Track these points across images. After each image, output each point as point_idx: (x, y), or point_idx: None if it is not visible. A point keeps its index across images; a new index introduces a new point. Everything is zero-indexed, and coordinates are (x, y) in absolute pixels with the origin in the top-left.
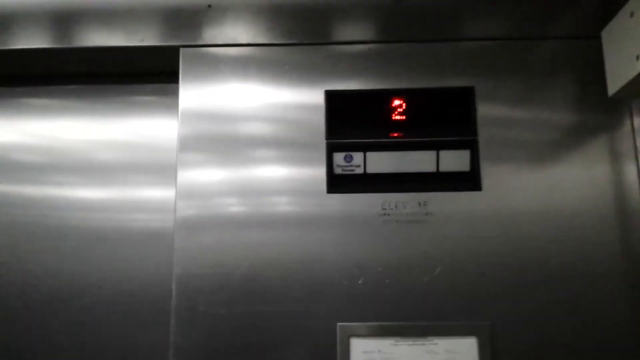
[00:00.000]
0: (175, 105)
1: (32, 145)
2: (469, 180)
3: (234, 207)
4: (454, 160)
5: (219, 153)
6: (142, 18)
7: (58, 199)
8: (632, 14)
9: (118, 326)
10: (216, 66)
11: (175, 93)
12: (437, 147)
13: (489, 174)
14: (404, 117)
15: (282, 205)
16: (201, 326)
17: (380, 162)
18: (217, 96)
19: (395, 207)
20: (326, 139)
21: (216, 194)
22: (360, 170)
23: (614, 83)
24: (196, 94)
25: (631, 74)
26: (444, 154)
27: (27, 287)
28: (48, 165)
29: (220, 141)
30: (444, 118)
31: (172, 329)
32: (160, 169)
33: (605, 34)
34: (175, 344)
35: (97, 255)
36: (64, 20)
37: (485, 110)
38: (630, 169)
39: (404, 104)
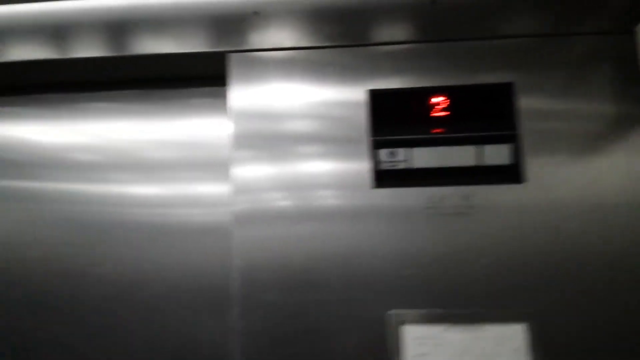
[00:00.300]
0: (224, 106)
1: (93, 145)
2: (511, 173)
3: (285, 201)
4: (496, 154)
5: (268, 150)
6: (192, 26)
7: (118, 196)
8: None
9: (178, 314)
10: (263, 69)
11: (223, 95)
12: (479, 141)
13: (531, 166)
14: (445, 114)
15: (331, 199)
16: (261, 313)
17: (423, 157)
18: (265, 96)
19: (440, 200)
20: (371, 137)
21: (268, 189)
22: (404, 166)
23: None
24: (245, 95)
25: None
26: (486, 148)
27: (92, 279)
28: (108, 164)
29: (269, 138)
30: (485, 113)
31: (235, 316)
32: (210, 166)
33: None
34: (238, 329)
35: (155, 249)
36: (120, 31)
37: (525, 104)
38: None
39: (445, 101)
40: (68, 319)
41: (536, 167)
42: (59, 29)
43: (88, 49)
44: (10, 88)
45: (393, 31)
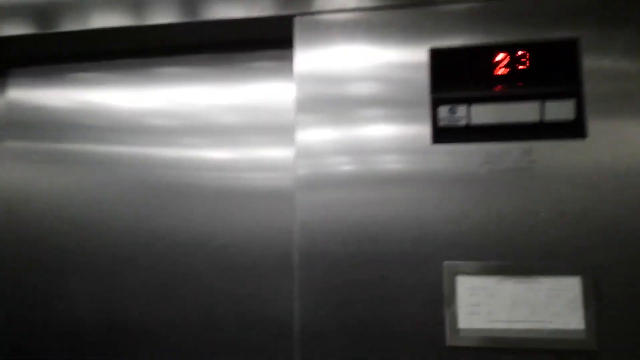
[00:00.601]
0: (290, 69)
1: (166, 110)
2: (574, 129)
3: (346, 165)
4: (558, 110)
5: (331, 113)
6: None
7: (188, 159)
8: None
9: (242, 269)
10: (327, 31)
11: (290, 58)
12: (541, 97)
13: (594, 123)
14: (507, 70)
15: (392, 161)
16: (321, 261)
17: (483, 113)
18: (329, 60)
19: (499, 156)
20: (431, 94)
21: (330, 152)
22: (464, 122)
23: None
24: (309, 59)
25: None
26: (548, 104)
27: (168, 236)
28: (179, 129)
29: (332, 102)
30: (549, 69)
31: (296, 264)
32: (276, 130)
33: None
34: (299, 276)
35: (222, 209)
36: None
37: (591, 61)
38: None
39: (507, 58)
40: (144, 272)
41: (599, 123)
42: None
43: (162, 16)
44: (91, 54)
45: None
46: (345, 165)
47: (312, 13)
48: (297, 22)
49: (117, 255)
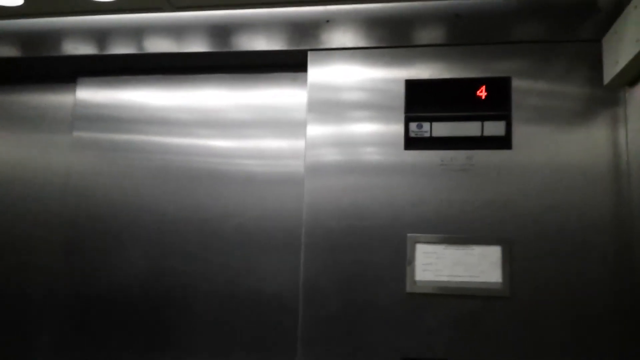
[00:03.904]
0: (300, 85)
1: (209, 119)
2: (503, 142)
3: (340, 155)
4: (493, 128)
5: (331, 114)
6: (283, 30)
7: (209, 148)
8: (635, 7)
9: (254, 243)
10: (331, 59)
11: (302, 78)
12: (482, 119)
13: (518, 139)
14: (460, 98)
15: (373, 155)
16: (322, 233)
17: (441, 129)
18: (331, 77)
19: (450, 159)
20: (405, 113)
21: (330, 145)
22: (427, 135)
23: (608, 74)
24: (318, 74)
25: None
26: (487, 124)
27: (181, 215)
28: (202, 123)
29: (332, 105)
30: (489, 99)
31: (303, 233)
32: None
33: (605, 39)
34: (305, 243)
35: (236, 192)
36: (224, 31)
37: (517, 94)
38: (622, 133)
39: (460, 89)
40: (159, 248)
41: (521, 139)
42: (180, 31)
43: (197, 45)
44: (143, 71)
45: (425, 37)
46: (338, 155)
47: (321, 49)
48: (310, 54)
49: (155, 229)
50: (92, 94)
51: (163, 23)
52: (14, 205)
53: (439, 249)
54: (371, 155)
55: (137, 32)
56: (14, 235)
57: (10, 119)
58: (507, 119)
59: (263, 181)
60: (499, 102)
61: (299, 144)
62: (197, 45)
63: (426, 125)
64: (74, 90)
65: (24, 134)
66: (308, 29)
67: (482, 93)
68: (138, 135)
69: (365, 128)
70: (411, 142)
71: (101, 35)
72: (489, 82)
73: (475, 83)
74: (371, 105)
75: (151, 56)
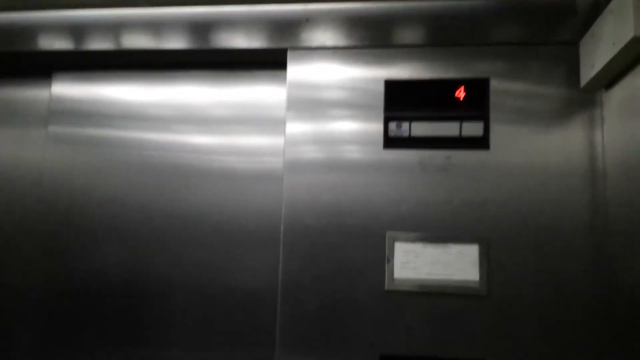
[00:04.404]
0: (279, 82)
1: (189, 115)
2: (481, 142)
3: (320, 153)
4: (472, 129)
5: (311, 111)
6: (262, 28)
7: (188, 144)
8: (611, 11)
9: (232, 239)
10: (310, 57)
11: (281, 76)
12: (460, 119)
13: (495, 139)
14: (438, 98)
15: (353, 153)
16: (301, 230)
17: (420, 128)
18: (311, 73)
19: (429, 159)
20: (384, 113)
21: (309, 142)
22: (406, 134)
23: (585, 77)
24: (297, 72)
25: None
26: (465, 124)
27: (159, 211)
28: (183, 120)
29: (311, 103)
30: (467, 100)
31: (282, 231)
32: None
33: (583, 42)
34: (284, 241)
35: (215, 188)
36: (203, 28)
37: (495, 96)
38: (598, 135)
39: (439, 89)
40: (136, 244)
41: (499, 139)
42: (159, 27)
43: (178, 42)
44: (120, 66)
45: (405, 37)
46: (318, 153)
47: (301, 48)
48: (290, 53)
49: (132, 225)
50: (68, 89)
51: (141, 19)
52: None
53: (418, 247)
54: (350, 153)
55: (115, 28)
56: None
57: None
58: (485, 120)
59: (242, 177)
60: (477, 103)
61: (278, 141)
62: (176, 42)
63: (405, 125)
64: (50, 85)
65: None
66: (288, 28)
67: (460, 94)
68: (115, 131)
69: (344, 126)
70: (390, 142)
71: (77, 30)
72: (467, 83)
73: (454, 84)
74: (351, 104)
75: (129, 52)
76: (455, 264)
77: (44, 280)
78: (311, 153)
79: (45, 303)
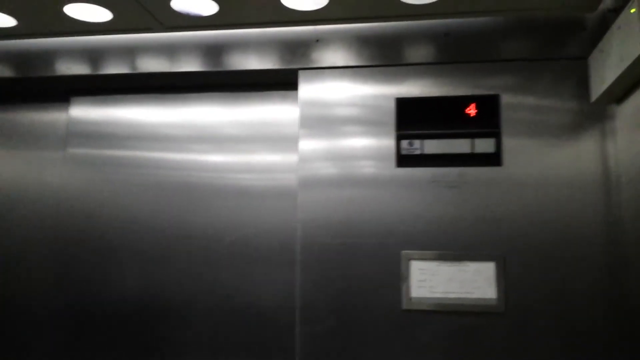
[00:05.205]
0: (291, 101)
1: (203, 135)
2: (493, 159)
3: (333, 169)
4: (484, 145)
5: (322, 129)
6: (274, 50)
7: (203, 163)
8: (619, 27)
9: (251, 252)
10: (322, 78)
11: (293, 95)
12: (472, 136)
13: (508, 156)
14: (450, 115)
15: (365, 169)
16: (316, 250)
17: (432, 146)
18: (322, 94)
19: (442, 176)
20: (396, 131)
21: (322, 159)
22: (419, 152)
23: (595, 92)
24: (309, 91)
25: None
26: (477, 141)
27: (175, 229)
28: (197, 139)
29: (323, 121)
30: (479, 115)
31: (298, 250)
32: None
33: (592, 57)
34: (300, 260)
35: (231, 205)
36: (216, 51)
37: (506, 112)
38: (610, 147)
39: (450, 107)
40: (153, 263)
41: (511, 156)
42: (173, 51)
43: (189, 65)
44: (136, 89)
45: (415, 55)
46: (331, 169)
47: (312, 68)
48: (301, 73)
49: (148, 243)
50: (85, 112)
51: (155, 43)
52: (8, 219)
53: (433, 265)
54: (363, 169)
55: (130, 52)
56: (8, 251)
57: (5, 137)
58: (497, 136)
59: (256, 194)
60: (489, 119)
61: (290, 158)
62: (190, 65)
63: (417, 143)
64: (68, 109)
65: (18, 150)
66: (298, 49)
67: (471, 110)
68: (132, 152)
69: (356, 143)
70: (403, 160)
71: (94, 56)
72: (478, 99)
73: (465, 100)
74: (362, 121)
75: (144, 75)
76: (471, 281)
77: (62, 299)
78: (324, 169)
79: (64, 322)
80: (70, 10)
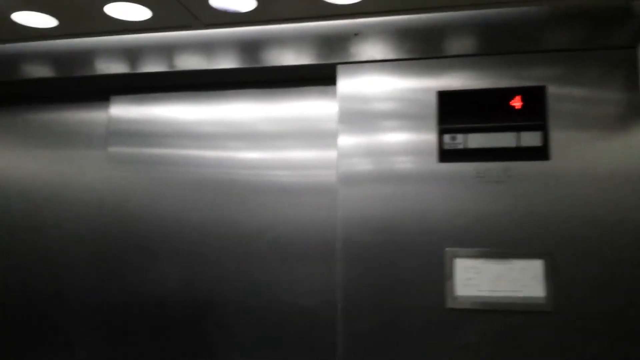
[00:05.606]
0: (329, 96)
1: (241, 132)
2: (540, 153)
3: (373, 165)
4: (530, 139)
5: (362, 124)
6: (312, 45)
7: (242, 160)
8: None
9: (290, 250)
10: (360, 72)
11: (331, 90)
12: (517, 129)
13: (556, 149)
14: (494, 108)
15: (406, 164)
16: (356, 248)
17: (476, 140)
18: (361, 89)
19: (486, 171)
20: (437, 125)
21: (362, 155)
22: (462, 146)
23: None
24: (347, 86)
25: None
26: (523, 134)
27: (218, 228)
28: (237, 136)
29: (362, 115)
30: (524, 108)
31: (339, 248)
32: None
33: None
34: (341, 257)
35: (270, 203)
36: (253, 47)
37: (553, 103)
38: None
39: (494, 99)
40: (195, 262)
41: (559, 149)
42: (210, 48)
43: (228, 62)
44: (174, 87)
45: (456, 47)
46: (371, 165)
47: (350, 62)
48: (339, 67)
49: (190, 242)
50: (125, 111)
51: (193, 40)
52: (52, 219)
53: (478, 263)
54: (404, 164)
55: (168, 50)
56: (52, 250)
57: (48, 137)
58: (544, 129)
59: (295, 191)
60: (535, 112)
61: (329, 154)
62: (227, 62)
63: (460, 137)
64: (108, 108)
65: (61, 150)
66: (337, 43)
67: (516, 103)
68: (172, 150)
69: (397, 138)
70: (445, 155)
71: (133, 54)
72: (523, 91)
73: (509, 93)
74: (402, 115)
75: (182, 73)
76: (519, 279)
77: (105, 299)
78: (364, 165)
79: (108, 321)
80: (110, 9)
